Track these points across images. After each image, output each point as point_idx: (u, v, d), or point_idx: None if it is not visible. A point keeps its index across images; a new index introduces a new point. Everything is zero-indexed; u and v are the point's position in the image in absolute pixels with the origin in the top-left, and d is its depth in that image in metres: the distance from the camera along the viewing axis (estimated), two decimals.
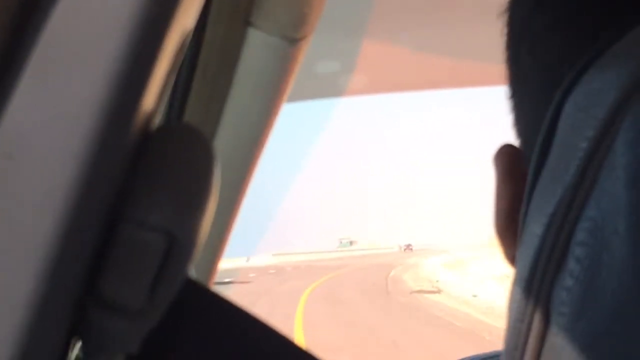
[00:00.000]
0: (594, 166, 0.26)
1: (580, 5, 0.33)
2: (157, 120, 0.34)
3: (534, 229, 0.29)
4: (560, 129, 0.29)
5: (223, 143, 0.75)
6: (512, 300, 0.30)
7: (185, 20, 0.32)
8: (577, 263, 0.26)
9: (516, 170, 0.36)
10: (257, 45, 0.70)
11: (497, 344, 0.37)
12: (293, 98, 0.82)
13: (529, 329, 0.28)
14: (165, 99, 0.35)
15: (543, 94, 0.33)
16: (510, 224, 0.35)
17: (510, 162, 0.37)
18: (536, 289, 0.28)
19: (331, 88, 1.23)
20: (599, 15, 0.32)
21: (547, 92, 0.33)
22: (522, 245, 0.30)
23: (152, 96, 0.31)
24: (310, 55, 0.76)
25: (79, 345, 0.32)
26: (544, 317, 0.27)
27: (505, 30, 0.38)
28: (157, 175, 0.30)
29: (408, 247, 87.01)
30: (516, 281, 0.30)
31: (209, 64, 0.71)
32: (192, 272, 0.37)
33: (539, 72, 0.34)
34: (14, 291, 0.26)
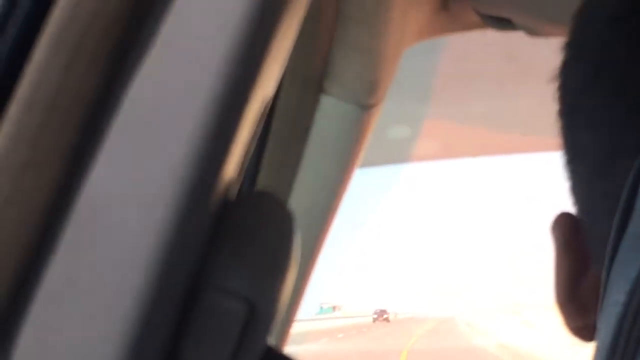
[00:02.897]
0: None
1: (635, 79, 0.33)
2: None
3: (616, 296, 0.28)
4: None
5: (296, 209, 0.75)
6: None
7: (266, 87, 0.32)
8: None
9: (574, 241, 0.36)
10: (329, 111, 0.71)
11: None
12: (364, 164, 0.82)
13: None
14: (245, 166, 0.36)
15: (601, 164, 0.33)
16: (571, 295, 0.35)
17: (568, 233, 0.37)
18: (619, 356, 0.27)
19: (400, 154, 1.23)
20: None
21: (606, 162, 0.33)
22: (604, 313, 0.29)
23: (232, 164, 0.31)
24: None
25: None
26: None
27: (557, 98, 0.38)
28: (239, 244, 0.30)
29: (381, 315, 52.73)
30: (598, 350, 0.29)
31: (281, 129, 0.72)
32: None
33: (595, 143, 0.34)
34: (99, 356, 0.26)
